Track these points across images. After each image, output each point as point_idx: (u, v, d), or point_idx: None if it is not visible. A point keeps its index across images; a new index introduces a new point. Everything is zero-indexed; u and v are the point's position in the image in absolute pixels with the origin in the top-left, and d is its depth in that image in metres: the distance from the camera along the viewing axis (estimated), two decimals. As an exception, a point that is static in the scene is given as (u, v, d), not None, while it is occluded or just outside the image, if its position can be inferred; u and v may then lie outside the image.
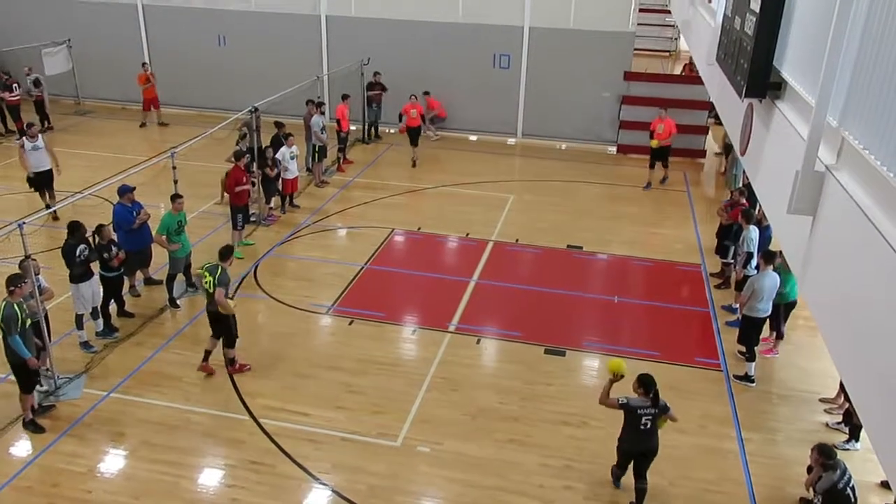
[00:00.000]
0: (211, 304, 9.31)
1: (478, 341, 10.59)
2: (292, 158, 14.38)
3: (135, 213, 10.87)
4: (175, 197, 11.01)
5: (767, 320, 10.36)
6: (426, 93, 19.63)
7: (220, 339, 9.56)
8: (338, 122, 17.72)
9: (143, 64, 20.95)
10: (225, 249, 9.50)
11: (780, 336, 10.51)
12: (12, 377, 8.43)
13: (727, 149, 18.13)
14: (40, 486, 7.62)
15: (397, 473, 7.96)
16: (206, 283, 9.26)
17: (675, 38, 32.35)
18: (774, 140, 5.16)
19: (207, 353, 9.64)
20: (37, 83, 19.61)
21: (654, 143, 16.86)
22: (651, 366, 9.98)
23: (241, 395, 9.17)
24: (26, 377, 8.33)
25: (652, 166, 17.18)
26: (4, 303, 8.03)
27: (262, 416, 8.77)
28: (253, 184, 13.76)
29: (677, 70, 26.54)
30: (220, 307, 9.20)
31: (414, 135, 18.12)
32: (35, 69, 20.11)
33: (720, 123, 17.23)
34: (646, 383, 7.22)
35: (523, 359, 10.15)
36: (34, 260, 8.70)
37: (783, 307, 10.15)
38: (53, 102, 21.33)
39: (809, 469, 7.22)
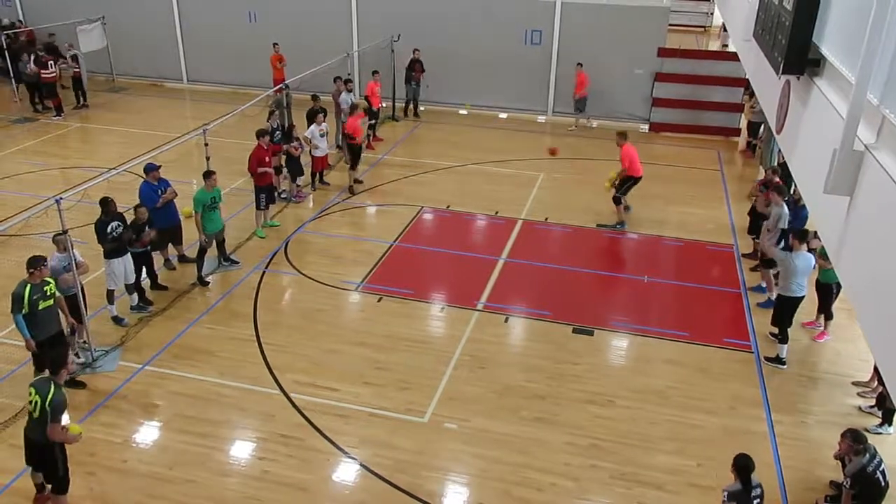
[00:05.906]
0: (31, 431, 6.68)
1: (506, 320, 10.59)
2: (322, 136, 14.42)
3: (160, 191, 10.98)
4: (208, 174, 11.08)
5: (818, 303, 10.17)
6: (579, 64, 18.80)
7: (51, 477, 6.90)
8: (367, 98, 17.72)
9: (275, 44, 19.82)
10: (57, 357, 6.80)
11: (828, 317, 10.22)
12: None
13: (750, 126, 17.83)
14: (78, 454, 7.79)
15: (424, 449, 8.04)
16: (30, 404, 6.61)
17: (710, 14, 31.71)
18: (812, 118, 5.03)
19: (39, 487, 7.25)
20: (74, 59, 19.88)
21: (612, 177, 13.45)
22: (680, 346, 9.97)
23: (272, 369, 9.31)
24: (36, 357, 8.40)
25: (618, 201, 13.65)
26: (20, 282, 8.15)
27: (292, 391, 8.91)
28: (279, 168, 13.78)
29: (713, 46, 26.03)
30: (52, 438, 6.58)
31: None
32: (72, 46, 20.39)
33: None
34: (738, 466, 6.19)
35: (551, 338, 10.14)
36: (64, 234, 8.81)
37: (835, 286, 9.78)
38: (88, 80, 21.59)
39: (835, 456, 7.14)
